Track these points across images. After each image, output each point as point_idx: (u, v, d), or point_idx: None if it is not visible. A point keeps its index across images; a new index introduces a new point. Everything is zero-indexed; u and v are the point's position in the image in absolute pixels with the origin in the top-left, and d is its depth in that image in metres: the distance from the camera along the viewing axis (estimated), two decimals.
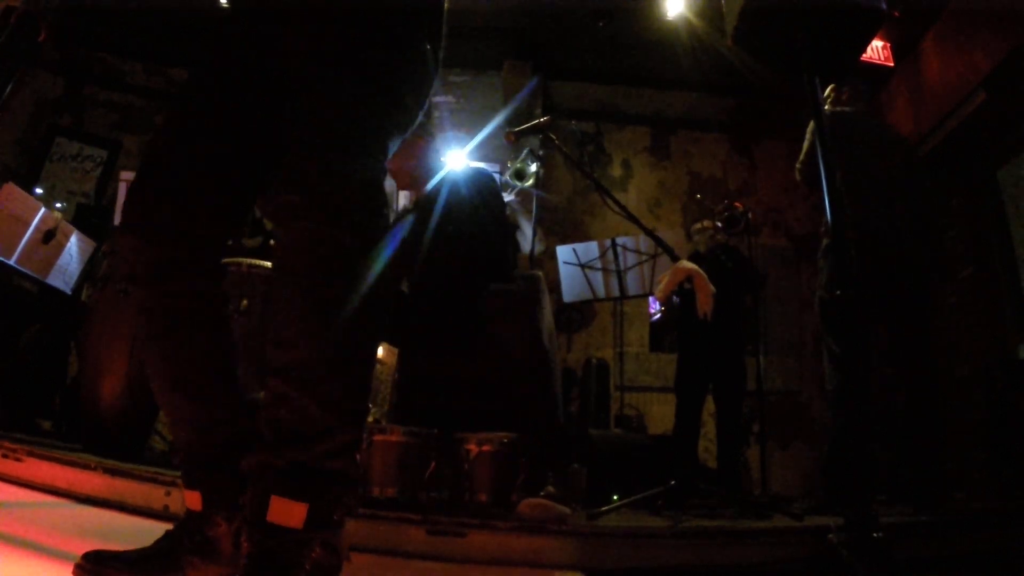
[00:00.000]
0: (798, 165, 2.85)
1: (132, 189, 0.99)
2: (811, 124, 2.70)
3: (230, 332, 1.05)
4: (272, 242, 1.08)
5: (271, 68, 1.00)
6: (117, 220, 2.91)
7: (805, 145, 2.74)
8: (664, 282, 2.12)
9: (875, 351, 2.62)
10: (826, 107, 2.83)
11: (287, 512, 0.79)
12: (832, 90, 2.92)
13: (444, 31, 1.13)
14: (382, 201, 0.92)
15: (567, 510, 1.62)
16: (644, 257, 3.24)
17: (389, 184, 1.15)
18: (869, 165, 2.60)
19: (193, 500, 0.97)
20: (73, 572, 0.85)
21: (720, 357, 2.90)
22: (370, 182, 0.90)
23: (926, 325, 2.58)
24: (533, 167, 4.16)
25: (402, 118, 1.01)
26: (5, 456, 1.76)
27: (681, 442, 3.01)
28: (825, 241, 2.62)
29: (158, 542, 0.94)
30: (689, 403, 3.16)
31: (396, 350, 2.14)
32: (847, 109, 2.80)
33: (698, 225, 3.57)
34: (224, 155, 1.00)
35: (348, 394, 0.86)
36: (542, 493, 1.67)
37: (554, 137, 2.15)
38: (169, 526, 0.99)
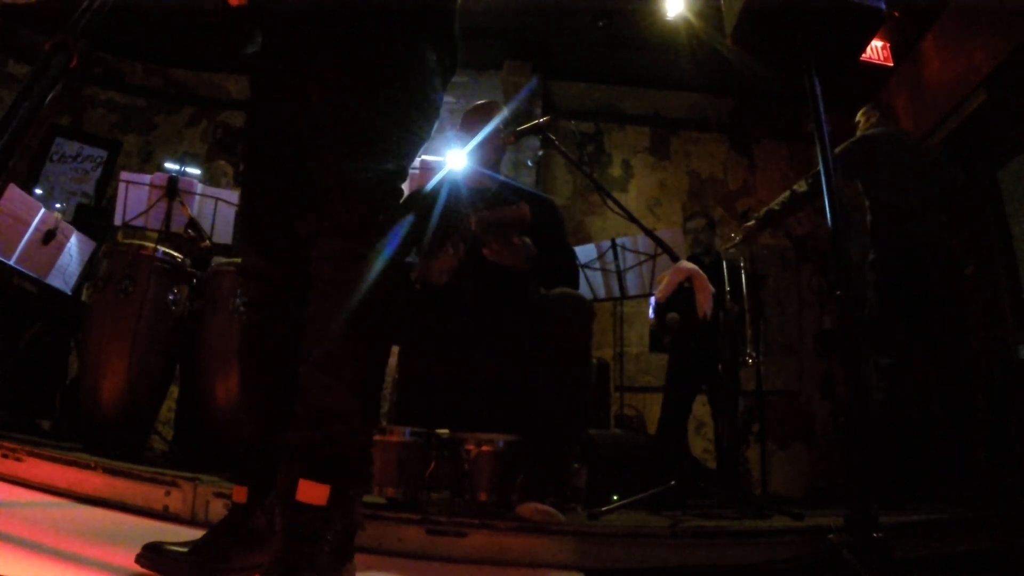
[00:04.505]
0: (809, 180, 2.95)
1: (246, 223, 1.21)
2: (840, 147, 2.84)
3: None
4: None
5: (300, 98, 1.12)
6: (117, 220, 2.91)
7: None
8: (664, 282, 2.12)
9: (918, 357, 2.79)
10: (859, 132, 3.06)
11: (313, 492, 0.93)
12: (863, 115, 3.13)
13: (457, 33, 1.22)
14: (397, 206, 1.08)
15: (563, 518, 1.62)
16: (644, 257, 3.24)
17: None
18: (904, 182, 2.78)
19: (240, 494, 1.12)
20: (135, 560, 0.95)
21: (713, 358, 2.96)
22: (387, 192, 1.07)
23: (964, 336, 2.74)
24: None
25: (422, 123, 1.14)
26: (5, 456, 1.76)
27: (669, 440, 3.04)
28: (871, 255, 2.79)
29: (204, 536, 1.07)
30: (678, 402, 3.21)
31: (395, 349, 2.14)
32: (878, 130, 2.95)
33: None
34: (291, 199, 1.17)
35: (370, 382, 1.05)
36: (548, 500, 1.67)
37: (554, 137, 2.15)
38: (168, 525, 1.01)
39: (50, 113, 4.99)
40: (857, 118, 3.14)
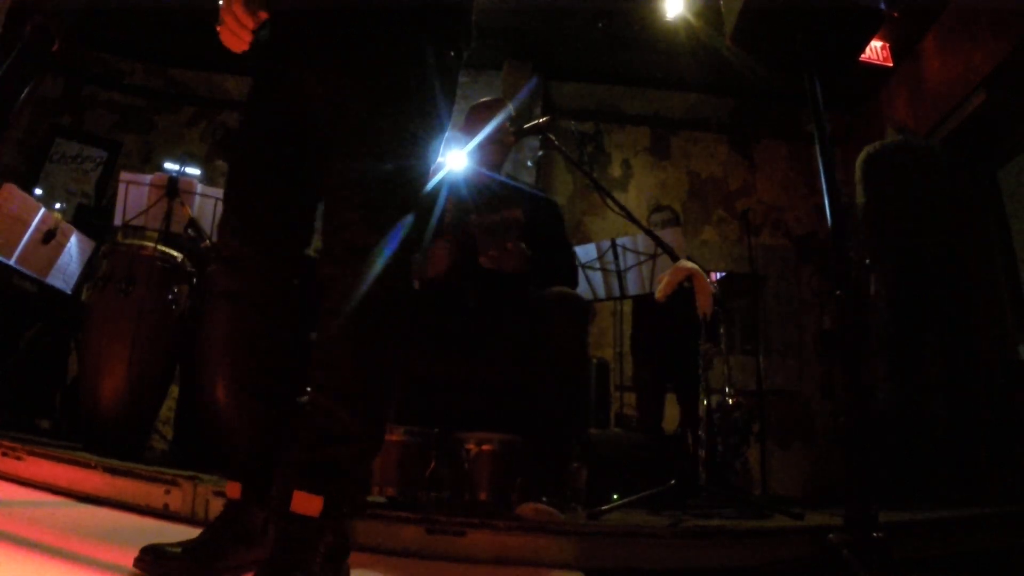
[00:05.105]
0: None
1: (231, 211, 1.16)
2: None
3: (291, 345, 1.20)
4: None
5: (302, 104, 1.14)
6: (117, 220, 2.91)
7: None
8: (664, 282, 2.12)
9: (926, 356, 2.90)
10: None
11: (307, 503, 0.94)
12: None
13: (465, 31, 1.27)
14: (397, 206, 1.04)
15: (563, 518, 1.62)
16: (644, 257, 3.23)
17: None
18: (910, 189, 2.91)
19: (233, 490, 1.12)
20: (134, 564, 0.95)
21: (679, 358, 3.00)
22: (387, 192, 1.04)
23: (969, 337, 2.82)
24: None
25: (422, 124, 1.11)
26: (5, 455, 1.76)
27: (653, 435, 3.10)
28: (880, 263, 2.92)
29: (201, 535, 1.07)
30: (648, 399, 3.27)
31: None
32: (880, 144, 3.08)
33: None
34: (286, 187, 1.16)
35: (374, 407, 1.04)
36: (544, 499, 1.67)
37: (554, 137, 2.15)
38: (169, 524, 1.01)
39: (50, 113, 4.99)
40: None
